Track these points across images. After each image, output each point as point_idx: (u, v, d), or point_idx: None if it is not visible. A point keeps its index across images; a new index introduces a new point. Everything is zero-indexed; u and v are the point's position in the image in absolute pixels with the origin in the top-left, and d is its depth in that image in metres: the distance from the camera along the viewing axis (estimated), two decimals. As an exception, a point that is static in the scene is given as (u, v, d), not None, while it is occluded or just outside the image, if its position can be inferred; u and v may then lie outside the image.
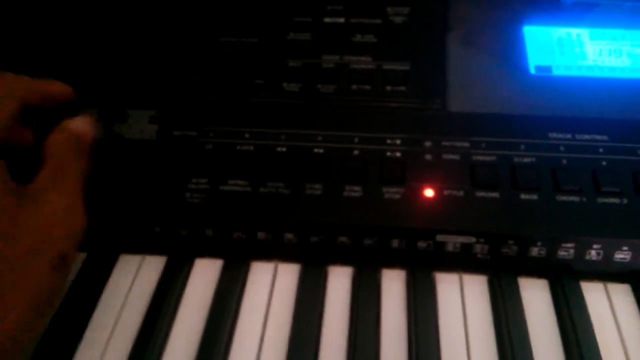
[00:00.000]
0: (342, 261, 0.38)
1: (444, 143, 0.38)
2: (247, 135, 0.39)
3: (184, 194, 0.36)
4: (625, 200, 0.35)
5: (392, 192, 0.36)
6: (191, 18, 0.45)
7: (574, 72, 0.43)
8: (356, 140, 0.39)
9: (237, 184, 0.37)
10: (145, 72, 0.42)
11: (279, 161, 0.38)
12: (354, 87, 0.42)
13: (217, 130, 0.39)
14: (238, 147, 0.38)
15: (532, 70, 0.43)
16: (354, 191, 0.37)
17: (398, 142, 0.39)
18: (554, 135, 0.39)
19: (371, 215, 0.36)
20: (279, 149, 0.38)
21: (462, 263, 0.37)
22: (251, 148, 0.38)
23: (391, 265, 0.38)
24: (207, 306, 0.36)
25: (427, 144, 0.39)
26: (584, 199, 0.36)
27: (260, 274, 0.38)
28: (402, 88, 0.41)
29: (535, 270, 0.37)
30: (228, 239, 0.37)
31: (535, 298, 0.36)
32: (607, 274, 0.36)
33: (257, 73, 0.42)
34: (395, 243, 0.36)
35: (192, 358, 0.33)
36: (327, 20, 0.45)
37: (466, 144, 0.38)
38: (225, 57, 0.43)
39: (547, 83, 0.42)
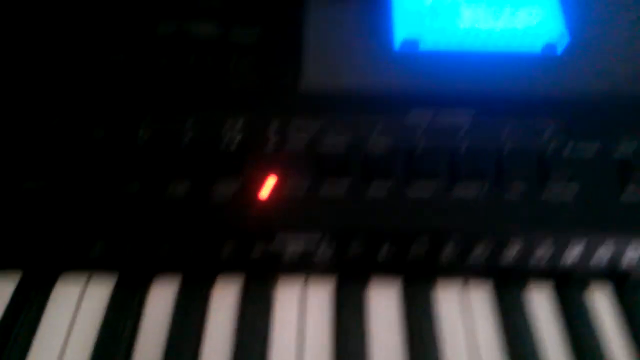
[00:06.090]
0: (167, 270, 0.33)
1: (292, 126, 0.33)
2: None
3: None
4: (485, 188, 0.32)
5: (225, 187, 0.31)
6: None
7: (443, 45, 0.39)
8: (189, 124, 0.33)
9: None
10: None
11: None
12: (193, 58, 0.35)
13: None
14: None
15: (397, 46, 0.38)
16: (180, 188, 0.31)
17: (239, 126, 0.33)
18: (413, 116, 0.35)
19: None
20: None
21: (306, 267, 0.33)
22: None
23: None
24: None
25: (273, 127, 0.33)
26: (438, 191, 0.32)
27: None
28: (249, 60, 0.36)
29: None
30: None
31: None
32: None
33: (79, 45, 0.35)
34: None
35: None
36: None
37: (316, 127, 0.34)
38: None
39: (412, 60, 0.38)
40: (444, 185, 0.32)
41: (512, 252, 0.32)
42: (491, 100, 0.36)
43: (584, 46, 0.38)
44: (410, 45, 0.38)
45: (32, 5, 0.36)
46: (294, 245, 0.31)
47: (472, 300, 0.32)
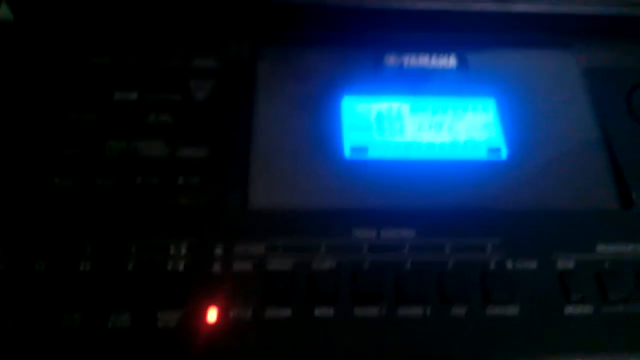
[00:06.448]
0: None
1: (237, 249, 0.34)
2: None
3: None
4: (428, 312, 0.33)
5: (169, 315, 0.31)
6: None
7: (390, 154, 0.40)
8: (133, 250, 0.33)
9: None
10: None
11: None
12: (139, 179, 0.36)
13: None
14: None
15: (347, 153, 0.39)
16: (121, 321, 0.31)
17: (183, 251, 0.33)
18: (358, 233, 0.35)
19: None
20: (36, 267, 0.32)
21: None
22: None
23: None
24: None
25: (218, 251, 0.34)
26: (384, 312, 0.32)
27: None
28: (197, 180, 0.36)
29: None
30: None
31: None
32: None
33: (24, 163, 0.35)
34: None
35: None
36: (117, 96, 0.39)
37: (263, 248, 0.34)
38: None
39: (362, 168, 0.39)
40: (388, 306, 0.32)
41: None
42: (435, 214, 0.36)
43: (524, 158, 0.39)
44: (360, 152, 0.40)
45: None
46: (237, 376, 0.31)
47: None
